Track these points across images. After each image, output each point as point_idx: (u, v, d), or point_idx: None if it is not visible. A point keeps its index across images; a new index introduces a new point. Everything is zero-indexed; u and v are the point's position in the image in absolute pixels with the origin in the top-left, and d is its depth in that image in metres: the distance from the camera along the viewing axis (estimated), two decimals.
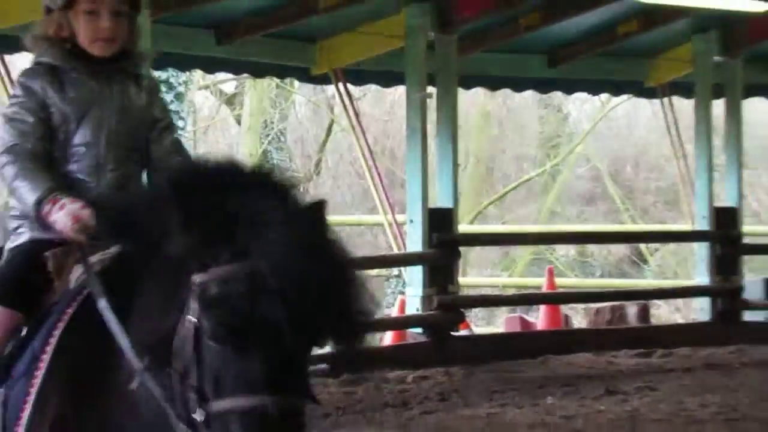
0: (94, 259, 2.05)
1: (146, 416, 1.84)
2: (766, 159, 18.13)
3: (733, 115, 10.59)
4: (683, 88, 11.04)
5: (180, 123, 14.41)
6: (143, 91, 2.40)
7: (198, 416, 1.65)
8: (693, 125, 10.78)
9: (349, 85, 9.89)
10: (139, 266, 1.87)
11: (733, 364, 8.15)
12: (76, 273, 2.09)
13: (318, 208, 1.71)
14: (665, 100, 11.41)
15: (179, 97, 14.72)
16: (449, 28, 8.72)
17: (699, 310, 10.66)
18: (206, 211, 1.63)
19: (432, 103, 9.04)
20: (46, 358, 1.97)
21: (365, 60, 9.42)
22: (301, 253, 1.55)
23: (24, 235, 2.25)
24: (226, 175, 1.75)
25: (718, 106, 10.82)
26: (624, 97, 14.51)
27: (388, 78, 10.27)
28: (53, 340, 1.98)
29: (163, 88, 14.45)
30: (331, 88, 10.24)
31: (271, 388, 1.53)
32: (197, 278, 1.63)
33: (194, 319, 1.64)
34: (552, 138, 19.49)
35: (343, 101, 10.07)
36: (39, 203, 2.08)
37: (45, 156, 2.19)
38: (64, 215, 2.06)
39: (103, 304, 1.88)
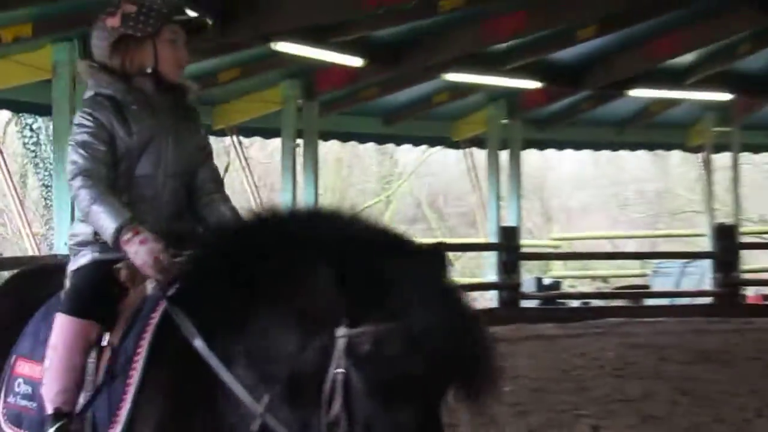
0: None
1: None
2: (536, 192, 22.15)
3: (514, 160, 12.23)
4: (479, 142, 12.68)
5: None
6: (193, 122, 2.31)
7: None
8: (486, 168, 12.36)
9: (240, 138, 11.50)
10: (238, 307, 1.77)
11: (513, 338, 8.62)
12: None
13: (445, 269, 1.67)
14: (467, 150, 13.30)
15: None
16: (313, 96, 10.28)
17: (489, 299, 11.86)
18: (358, 271, 1.55)
19: (300, 151, 10.55)
20: (139, 359, 1.87)
21: (252, 119, 10.84)
22: (450, 319, 1.53)
23: (86, 257, 2.14)
24: (369, 237, 1.72)
25: (505, 155, 12.27)
26: (438, 147, 15.91)
27: (268, 132, 11.63)
28: (144, 343, 1.89)
29: None
30: (227, 139, 11.37)
31: None
32: (343, 332, 1.56)
33: (342, 371, 1.55)
34: (386, 176, 23.20)
35: (236, 149, 11.54)
36: (119, 231, 1.98)
37: (113, 185, 2.10)
38: (144, 252, 1.95)
39: (200, 345, 1.77)
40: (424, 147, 16.59)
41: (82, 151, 2.10)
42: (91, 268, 2.12)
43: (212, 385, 1.79)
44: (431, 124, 12.52)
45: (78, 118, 2.18)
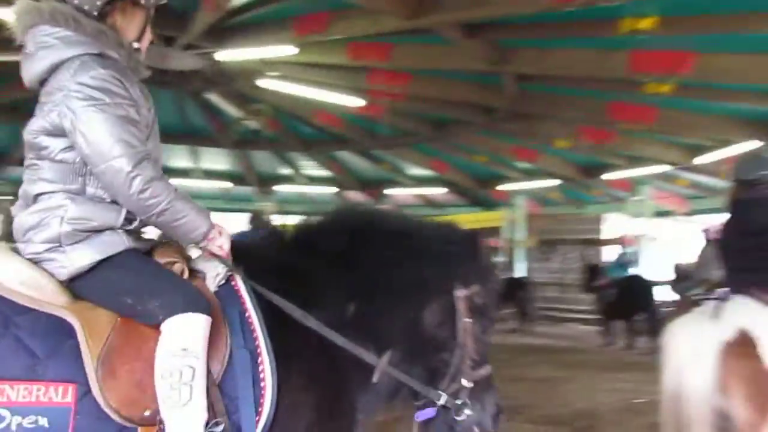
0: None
1: (381, 395, 2.19)
2: None
3: None
4: None
5: None
6: None
7: (466, 382, 2.21)
8: None
9: None
10: (336, 285, 2.11)
11: None
12: (208, 270, 1.99)
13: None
14: None
15: None
16: None
17: None
18: (459, 253, 2.28)
19: None
20: (262, 349, 1.87)
21: None
22: (498, 277, 2.61)
23: (114, 246, 1.86)
24: (447, 227, 2.44)
25: None
26: None
27: None
28: (258, 333, 1.89)
29: None
30: None
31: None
32: (462, 293, 2.25)
33: (470, 319, 2.24)
34: None
35: None
36: (210, 230, 1.92)
37: None
38: (226, 242, 1.97)
39: (313, 322, 1.97)
40: None
41: (128, 127, 1.80)
42: (148, 260, 1.95)
43: (332, 353, 2.02)
44: None
45: (101, 82, 1.80)
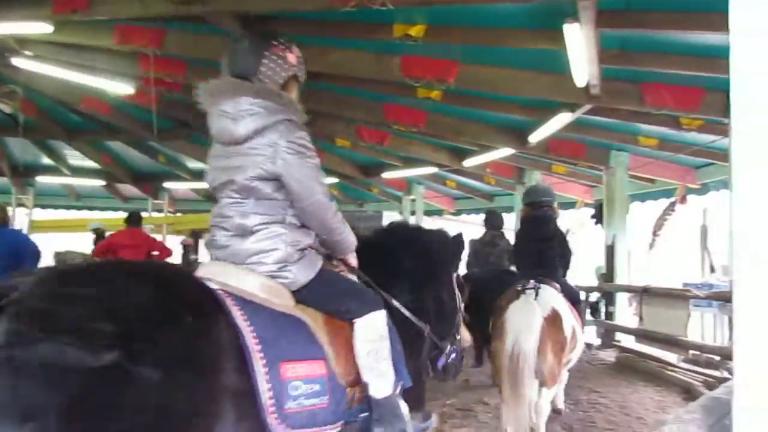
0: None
1: (424, 356, 3.13)
2: None
3: None
4: None
5: None
6: None
7: (458, 336, 3.40)
8: None
9: None
10: (400, 278, 2.98)
11: None
12: (350, 276, 2.73)
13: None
14: None
15: None
16: None
17: None
18: (454, 247, 3.45)
19: None
20: (395, 335, 2.66)
21: None
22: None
23: (318, 262, 2.47)
24: (442, 232, 3.48)
25: None
26: None
27: None
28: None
29: None
30: None
31: None
32: (455, 275, 3.43)
33: (459, 293, 3.43)
34: None
35: None
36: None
37: None
38: (354, 255, 2.74)
39: (395, 302, 2.87)
40: None
41: (321, 173, 2.44)
42: (330, 270, 2.58)
43: (410, 326, 2.95)
44: None
45: (303, 141, 2.39)
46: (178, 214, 19.89)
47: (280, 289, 2.34)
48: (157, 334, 1.64)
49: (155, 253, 8.54)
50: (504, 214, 15.80)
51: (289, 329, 2.23)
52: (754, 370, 0.93)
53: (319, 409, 2.21)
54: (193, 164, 16.34)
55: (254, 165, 2.32)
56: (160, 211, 19.03)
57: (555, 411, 5.39)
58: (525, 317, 4.37)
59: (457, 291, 3.40)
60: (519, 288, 4.71)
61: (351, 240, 2.62)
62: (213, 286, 2.15)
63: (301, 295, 2.40)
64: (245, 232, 2.36)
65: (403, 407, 2.49)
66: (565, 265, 5.29)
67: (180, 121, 12.64)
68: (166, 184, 17.79)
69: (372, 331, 2.47)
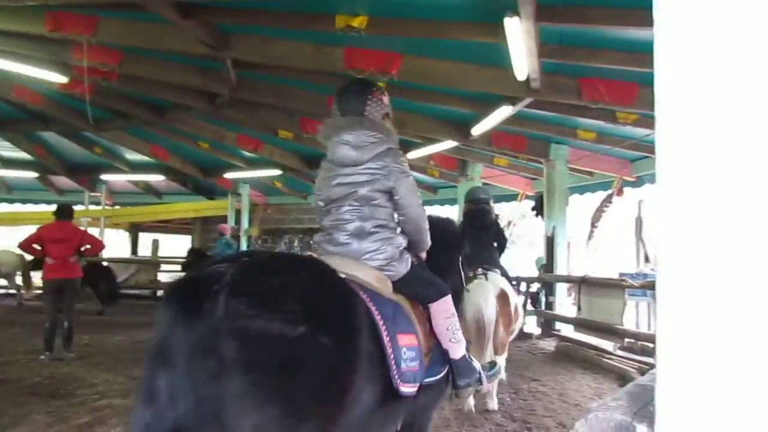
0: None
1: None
2: None
3: None
4: None
5: None
6: None
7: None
8: None
9: None
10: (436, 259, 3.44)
11: None
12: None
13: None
14: None
15: None
16: None
17: None
18: (462, 233, 4.29)
19: None
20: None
21: None
22: None
23: (409, 259, 3.06)
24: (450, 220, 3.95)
25: None
26: None
27: None
28: None
29: None
30: None
31: None
32: (460, 254, 3.87)
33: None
34: None
35: None
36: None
37: None
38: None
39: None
40: None
41: (416, 188, 3.16)
42: (415, 265, 3.15)
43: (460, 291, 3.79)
44: None
45: (405, 163, 3.09)
46: (117, 207, 19.40)
47: (385, 280, 2.95)
48: (328, 312, 2.24)
49: (87, 246, 8.27)
50: (448, 206, 16.15)
51: (396, 310, 2.80)
52: (676, 357, 0.95)
53: (415, 371, 2.77)
54: (132, 156, 15.92)
55: (374, 181, 3.02)
56: (97, 204, 18.50)
57: (488, 410, 5.70)
58: (482, 294, 5.32)
59: (462, 274, 3.86)
60: (471, 274, 5.41)
61: (428, 241, 3.25)
62: (342, 276, 2.64)
63: (397, 285, 2.98)
64: (363, 234, 3.02)
65: (475, 362, 3.29)
66: (501, 250, 6.37)
67: (117, 112, 12.29)
68: (104, 176, 17.28)
69: (446, 311, 3.11)
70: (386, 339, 2.64)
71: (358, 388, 2.35)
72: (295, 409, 2.03)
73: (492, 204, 6.55)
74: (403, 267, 3.04)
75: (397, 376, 2.66)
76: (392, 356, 2.64)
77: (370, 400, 2.50)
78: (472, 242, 5.83)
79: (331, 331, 2.18)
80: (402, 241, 3.09)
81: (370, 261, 2.97)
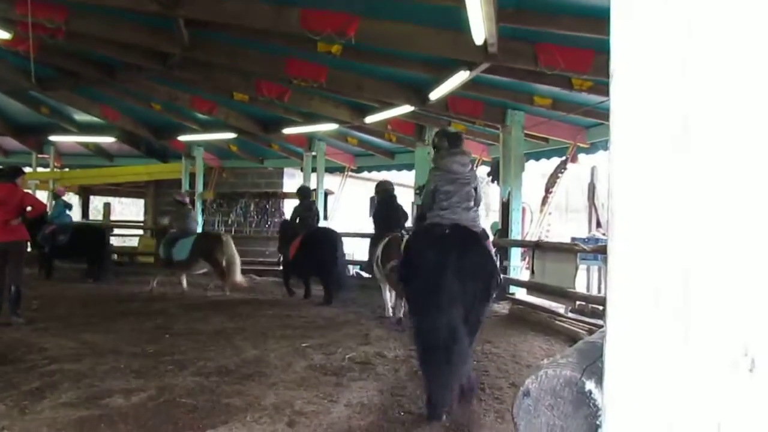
0: None
1: None
2: None
3: None
4: None
5: None
6: None
7: None
8: None
9: None
10: None
11: None
12: None
13: None
14: None
15: None
16: None
17: None
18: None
19: None
20: None
21: None
22: None
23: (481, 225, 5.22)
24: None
25: None
26: None
27: None
28: None
29: None
30: None
31: None
32: None
33: None
34: None
35: None
36: None
37: None
38: None
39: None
40: None
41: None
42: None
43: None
44: None
45: (478, 175, 5.49)
46: (66, 169, 18.86)
47: (477, 228, 5.00)
48: (464, 254, 4.54)
49: (29, 208, 8.01)
50: (405, 171, 16.17)
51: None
52: (625, 317, 0.97)
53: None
54: (81, 117, 15.44)
55: (469, 183, 5.04)
56: (45, 166, 17.95)
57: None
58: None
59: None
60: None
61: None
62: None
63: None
64: (469, 210, 5.02)
65: None
66: (406, 219, 9.12)
67: (64, 71, 11.87)
68: (52, 137, 16.75)
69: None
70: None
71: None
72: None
73: (395, 194, 9.42)
74: (480, 226, 5.10)
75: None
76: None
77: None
78: (384, 221, 9.08)
79: (463, 269, 4.48)
80: (478, 214, 5.17)
81: (472, 222, 4.97)
